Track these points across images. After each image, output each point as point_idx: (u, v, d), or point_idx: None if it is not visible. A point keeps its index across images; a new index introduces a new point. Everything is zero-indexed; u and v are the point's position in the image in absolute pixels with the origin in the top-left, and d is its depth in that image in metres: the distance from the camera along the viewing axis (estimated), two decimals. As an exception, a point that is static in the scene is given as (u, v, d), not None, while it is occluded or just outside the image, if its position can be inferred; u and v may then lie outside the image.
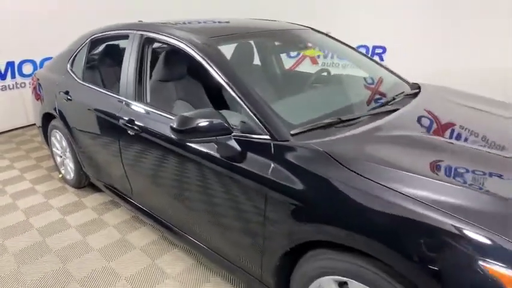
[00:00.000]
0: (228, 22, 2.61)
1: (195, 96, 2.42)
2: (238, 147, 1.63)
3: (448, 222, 1.10)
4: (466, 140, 1.69)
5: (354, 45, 5.28)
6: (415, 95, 2.20)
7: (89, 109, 2.65)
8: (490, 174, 1.37)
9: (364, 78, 2.52)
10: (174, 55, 2.32)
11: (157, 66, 2.37)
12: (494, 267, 1.02)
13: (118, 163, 2.47)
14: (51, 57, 3.61)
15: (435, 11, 4.56)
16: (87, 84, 2.81)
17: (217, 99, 2.19)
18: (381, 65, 2.67)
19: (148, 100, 2.26)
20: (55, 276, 2.25)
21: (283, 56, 3.35)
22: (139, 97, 2.29)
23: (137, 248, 2.50)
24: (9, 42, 4.59)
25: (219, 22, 2.59)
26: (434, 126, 1.82)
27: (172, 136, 1.71)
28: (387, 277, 1.22)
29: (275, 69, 2.98)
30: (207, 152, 1.76)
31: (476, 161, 1.47)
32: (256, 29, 2.57)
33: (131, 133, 2.21)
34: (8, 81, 4.81)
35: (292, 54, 4.82)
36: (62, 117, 3.01)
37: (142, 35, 2.35)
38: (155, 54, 2.43)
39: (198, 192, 1.90)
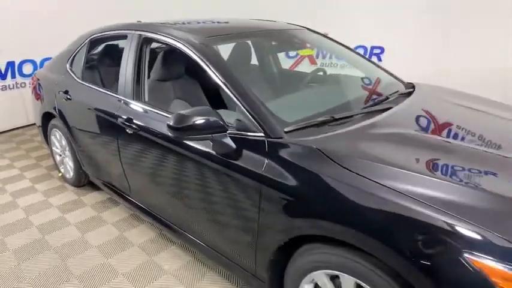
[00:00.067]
0: (226, 22, 2.64)
1: (192, 95, 2.45)
2: (233, 145, 1.67)
3: (436, 217, 1.14)
4: (459, 138, 1.71)
5: (353, 46, 5.33)
6: (410, 94, 2.24)
7: (88, 108, 2.68)
8: (481, 171, 1.40)
9: (359, 78, 2.56)
10: (171, 55, 2.36)
11: (155, 66, 2.41)
12: (479, 260, 1.05)
13: (116, 161, 2.51)
14: (51, 58, 3.64)
15: (433, 12, 4.59)
16: (86, 84, 2.85)
17: (214, 98, 2.23)
18: (376, 65, 2.70)
19: (147, 99, 2.30)
20: (54, 273, 2.29)
21: (282, 56, 3.39)
22: (137, 96, 2.32)
23: (135, 245, 2.54)
24: (10, 43, 4.63)
25: (217, 22, 2.63)
26: (427, 124, 1.86)
27: (169, 134, 1.74)
28: (378, 271, 1.25)
29: (272, 69, 3.01)
30: (203, 150, 1.80)
31: (467, 158, 1.50)
32: (253, 28, 2.61)
33: (129, 132, 2.24)
34: (8, 81, 4.85)
35: (291, 54, 4.86)
36: (62, 117, 3.05)
37: (140, 35, 2.39)
38: (153, 53, 2.47)
39: (195, 190, 1.94)
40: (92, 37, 2.94)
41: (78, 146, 3.01)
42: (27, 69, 4.94)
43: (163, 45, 2.51)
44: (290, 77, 3.04)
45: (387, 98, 2.12)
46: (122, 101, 2.38)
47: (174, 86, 2.44)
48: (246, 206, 1.64)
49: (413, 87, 2.38)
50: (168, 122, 1.65)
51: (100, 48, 3.22)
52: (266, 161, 1.54)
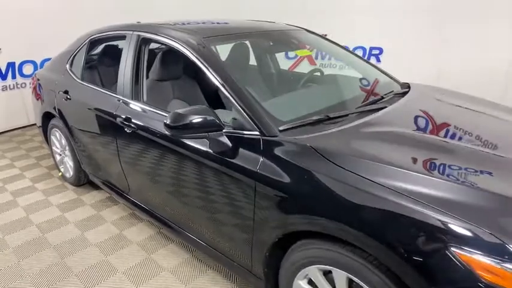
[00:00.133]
0: (225, 23, 2.67)
1: (190, 95, 2.49)
2: (229, 143, 1.70)
3: (424, 212, 1.17)
4: (450, 136, 1.74)
5: (352, 47, 5.37)
6: (405, 94, 2.27)
7: (87, 108, 2.72)
8: (469, 168, 1.43)
9: (355, 78, 2.58)
10: (169, 55, 2.39)
11: (153, 66, 2.44)
12: (466, 254, 1.08)
13: (115, 161, 2.54)
14: (51, 58, 3.68)
15: (432, 13, 4.61)
16: (86, 84, 2.89)
17: (212, 97, 2.26)
18: (373, 65, 2.74)
19: (145, 99, 2.33)
20: (54, 270, 2.32)
21: (282, 57, 3.42)
22: (136, 96, 2.35)
23: (134, 243, 2.57)
24: (10, 43, 4.67)
25: (216, 23, 2.66)
26: (421, 123, 1.89)
27: (166, 132, 1.77)
28: (369, 265, 1.28)
29: (269, 69, 3.04)
30: (200, 148, 1.83)
31: (458, 155, 1.54)
32: (251, 29, 2.64)
33: (128, 131, 2.28)
34: (9, 81, 4.87)
35: (291, 55, 4.90)
36: (61, 116, 3.08)
37: (139, 35, 2.42)
38: (152, 54, 2.50)
39: (192, 188, 1.97)
40: (91, 38, 2.98)
41: (77, 146, 3.04)
42: (28, 69, 4.98)
43: (162, 46, 2.55)
44: (287, 77, 3.08)
45: (382, 97, 2.16)
46: (121, 101, 2.42)
47: (173, 86, 2.48)
48: (242, 203, 1.68)
49: (409, 87, 2.41)
50: (165, 121, 1.68)
51: (99, 48, 3.25)
52: (261, 159, 1.57)
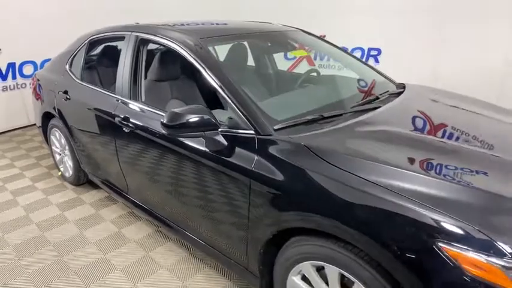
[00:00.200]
0: (224, 24, 2.70)
1: (188, 95, 2.51)
2: (225, 142, 1.73)
3: (413, 208, 1.20)
4: (445, 135, 1.76)
5: (350, 47, 5.40)
6: (400, 94, 2.29)
7: (86, 108, 2.75)
8: (458, 166, 1.46)
9: (351, 78, 2.61)
10: (167, 55, 2.42)
11: (151, 67, 2.47)
12: (452, 249, 1.11)
13: (114, 160, 2.57)
14: (51, 59, 3.71)
15: (430, 13, 4.64)
16: (85, 84, 2.92)
17: (209, 97, 2.28)
18: (369, 66, 2.76)
19: (143, 99, 2.36)
20: (53, 268, 2.35)
21: (281, 58, 3.45)
22: (134, 96, 2.39)
23: (132, 241, 2.60)
24: (11, 44, 4.71)
25: (215, 24, 2.69)
26: (414, 122, 1.91)
27: (163, 131, 1.80)
28: (360, 261, 1.31)
29: (267, 69, 3.07)
30: (196, 147, 1.86)
31: (449, 154, 1.57)
32: (248, 30, 2.67)
33: (126, 130, 2.31)
34: (9, 81, 4.91)
35: (290, 56, 4.92)
36: (61, 116, 3.12)
37: (137, 36, 2.45)
38: (150, 54, 2.53)
39: (189, 186, 2.00)
40: (90, 38, 3.01)
41: (77, 145, 3.07)
42: (28, 70, 5.02)
43: (160, 46, 2.58)
44: (284, 77, 3.10)
45: (377, 97, 2.18)
46: (120, 101, 2.45)
47: (171, 86, 2.50)
48: (237, 201, 1.71)
49: (404, 87, 2.44)
50: (161, 120, 1.71)
51: (98, 49, 3.29)
52: (256, 157, 1.60)
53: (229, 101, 1.78)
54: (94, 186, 3.38)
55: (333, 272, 1.42)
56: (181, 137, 1.90)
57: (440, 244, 1.13)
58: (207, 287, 2.16)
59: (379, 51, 5.39)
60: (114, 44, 3.15)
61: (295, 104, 2.07)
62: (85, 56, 3.06)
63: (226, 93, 1.81)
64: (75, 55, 3.13)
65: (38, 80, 3.56)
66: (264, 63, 3.09)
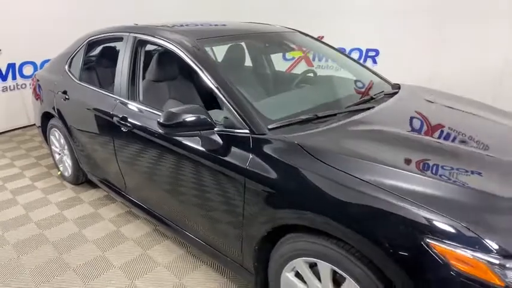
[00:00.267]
0: (223, 25, 2.73)
1: (185, 95, 2.54)
2: (220, 141, 1.76)
3: (403, 206, 1.23)
4: (439, 135, 1.79)
5: (348, 48, 5.41)
6: (395, 94, 2.32)
7: (85, 108, 2.78)
8: (448, 165, 1.49)
9: (347, 79, 2.64)
10: (165, 56, 2.45)
11: (149, 67, 2.50)
12: (440, 245, 1.14)
13: (113, 159, 2.60)
14: (50, 59, 3.74)
15: (428, 14, 4.66)
16: (84, 84, 2.95)
17: (206, 97, 2.31)
18: (365, 67, 2.79)
19: (141, 99, 2.39)
20: (52, 265, 2.38)
21: (280, 58, 3.48)
22: (132, 96, 2.42)
23: (130, 239, 2.63)
24: (10, 44, 4.74)
25: (214, 25, 2.71)
26: (407, 122, 1.94)
27: (160, 131, 1.83)
28: (351, 257, 1.34)
29: (264, 70, 3.10)
30: (193, 147, 1.89)
31: (443, 153, 1.60)
32: (245, 31, 2.70)
33: (124, 130, 2.34)
34: (9, 82, 4.94)
35: (288, 57, 4.95)
36: (60, 116, 3.15)
37: (135, 37, 2.48)
38: (148, 55, 2.56)
39: (185, 185, 2.03)
40: (89, 39, 3.04)
41: (76, 145, 3.11)
42: (28, 70, 5.05)
43: (158, 47, 2.61)
44: (281, 77, 3.13)
45: (372, 98, 2.21)
46: (118, 101, 2.48)
47: (169, 86, 2.53)
48: (232, 199, 1.74)
49: (399, 87, 2.47)
50: (158, 119, 1.75)
51: (97, 50, 3.32)
52: (250, 156, 1.63)
53: (225, 101, 1.81)
54: (93, 185, 3.41)
55: (325, 268, 1.45)
56: (177, 136, 1.93)
57: (428, 240, 1.16)
58: (203, 284, 2.19)
59: (377, 52, 5.41)
60: (112, 44, 3.18)
61: (291, 104, 2.10)
62: (84, 56, 3.09)
63: (222, 93, 1.84)
64: (74, 56, 3.16)
65: (38, 80, 3.59)
66: (262, 63, 3.12)
